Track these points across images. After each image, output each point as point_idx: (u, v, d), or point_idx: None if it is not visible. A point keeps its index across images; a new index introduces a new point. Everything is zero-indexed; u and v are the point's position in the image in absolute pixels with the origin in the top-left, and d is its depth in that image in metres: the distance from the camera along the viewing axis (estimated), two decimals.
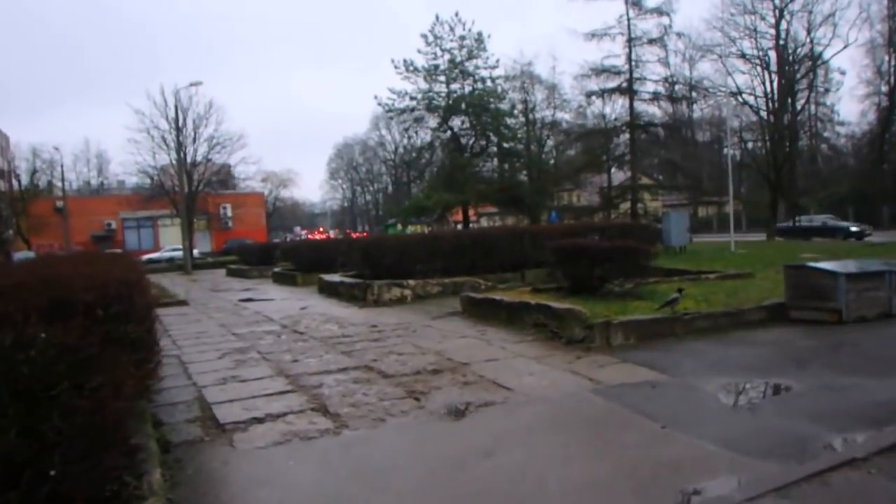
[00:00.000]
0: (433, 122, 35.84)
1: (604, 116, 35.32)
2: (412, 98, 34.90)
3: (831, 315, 8.49)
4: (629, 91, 30.51)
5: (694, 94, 39.15)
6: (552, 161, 43.80)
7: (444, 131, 35.93)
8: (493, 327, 9.63)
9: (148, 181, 39.43)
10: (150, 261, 41.54)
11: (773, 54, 41.79)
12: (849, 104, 72.66)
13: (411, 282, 14.24)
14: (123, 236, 55.98)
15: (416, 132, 37.75)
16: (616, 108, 33.37)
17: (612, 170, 37.09)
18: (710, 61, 44.20)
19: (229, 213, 58.28)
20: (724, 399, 5.78)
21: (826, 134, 47.38)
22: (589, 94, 32.76)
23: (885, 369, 6.35)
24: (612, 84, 31.26)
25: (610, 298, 10.03)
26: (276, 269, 23.74)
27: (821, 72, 42.96)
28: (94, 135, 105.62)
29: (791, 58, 41.87)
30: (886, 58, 47.36)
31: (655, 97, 31.72)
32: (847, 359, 6.88)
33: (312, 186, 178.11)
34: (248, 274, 26.66)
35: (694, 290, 10.62)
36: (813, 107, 44.40)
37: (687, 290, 10.47)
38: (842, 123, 47.16)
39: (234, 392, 6.46)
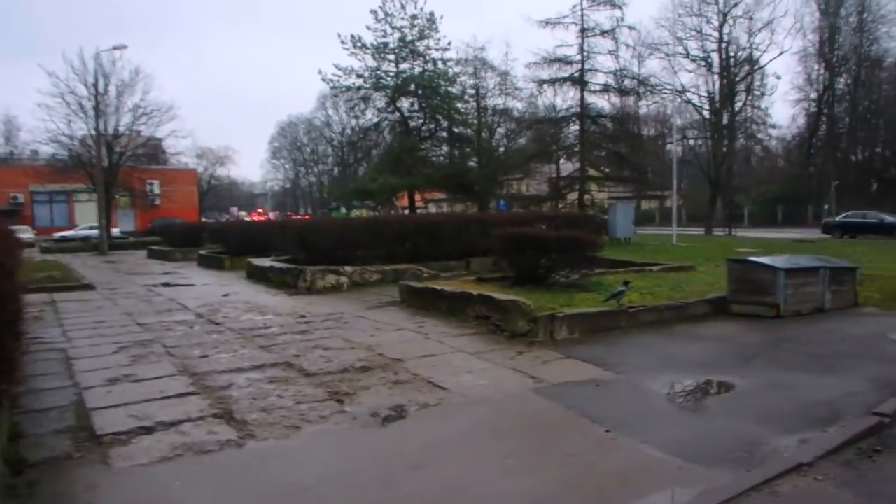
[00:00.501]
0: (381, 101, 34.92)
1: (554, 107, 35.45)
2: (359, 76, 33.84)
3: (770, 309, 8.57)
4: (580, 81, 30.64)
5: (641, 89, 39.63)
6: (502, 149, 43.49)
7: (392, 112, 35.04)
8: (432, 319, 9.15)
9: (65, 152, 35.94)
10: (63, 239, 38.68)
11: (715, 56, 43.01)
12: (781, 108, 77.03)
13: (348, 268, 13.57)
14: (33, 211, 52.03)
15: (363, 112, 36.66)
16: (567, 99, 33.56)
17: (561, 160, 37.18)
18: (658, 59, 45.09)
19: (157, 190, 54.37)
20: (670, 398, 5.53)
21: (760, 135, 49.17)
22: (541, 83, 32.75)
23: (825, 366, 6.34)
24: (563, 73, 31.38)
25: (556, 290, 9.76)
26: (202, 252, 22.15)
27: (758, 76, 44.54)
28: (2, 99, 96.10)
29: (732, 61, 43.11)
30: (816, 66, 49.95)
31: (606, 89, 31.94)
32: (789, 355, 6.81)
33: (253, 165, 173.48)
34: (171, 256, 24.59)
35: (639, 282, 10.50)
36: (749, 109, 45.90)
37: (633, 283, 10.27)
38: (774, 126, 49.40)
39: (124, 395, 5.59)
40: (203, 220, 51.13)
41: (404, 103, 34.83)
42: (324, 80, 34.29)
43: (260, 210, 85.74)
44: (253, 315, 10.06)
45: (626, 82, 34.36)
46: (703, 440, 4.40)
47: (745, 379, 5.87)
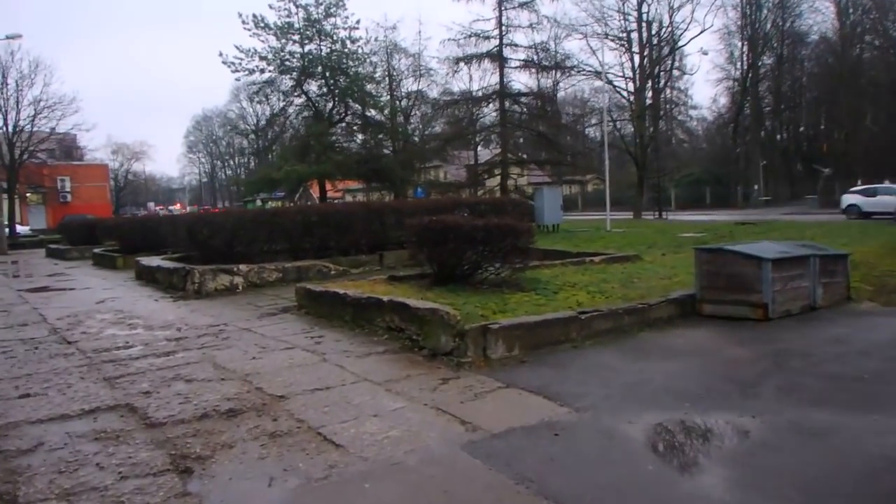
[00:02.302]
0: (287, 85, 32.31)
1: (470, 92, 34.05)
2: (262, 58, 30.95)
3: (755, 311, 6.90)
4: (499, 57, 29.13)
5: (559, 73, 38.70)
6: (417, 134, 41.63)
7: (299, 95, 32.45)
8: (334, 331, 7.36)
9: None
10: None
11: (635, 35, 42.36)
12: (702, 89, 77.75)
13: (243, 267, 11.81)
14: None
15: (267, 97, 33.88)
16: (484, 79, 32.33)
17: (479, 147, 35.84)
18: (577, 40, 44.34)
19: (68, 187, 54.09)
20: (661, 458, 3.78)
21: (680, 117, 49.21)
22: (457, 60, 31.04)
23: (860, 396, 4.60)
24: (481, 49, 29.80)
25: (484, 289, 8.04)
26: (97, 250, 20.81)
27: (678, 55, 44.37)
28: None
29: (654, 40, 42.60)
30: (738, 44, 49.84)
31: (526, 65, 30.58)
32: (803, 378, 5.06)
33: (170, 160, 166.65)
34: (68, 255, 23.31)
35: (582, 277, 8.94)
36: (669, 91, 45.71)
37: (574, 279, 8.72)
38: (695, 107, 49.48)
39: None
40: (115, 215, 49.45)
41: (312, 86, 32.38)
42: (224, 62, 31.13)
43: (178, 205, 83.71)
44: (118, 329, 8.23)
45: (547, 59, 33.29)
46: None
47: (757, 419, 4.16)
